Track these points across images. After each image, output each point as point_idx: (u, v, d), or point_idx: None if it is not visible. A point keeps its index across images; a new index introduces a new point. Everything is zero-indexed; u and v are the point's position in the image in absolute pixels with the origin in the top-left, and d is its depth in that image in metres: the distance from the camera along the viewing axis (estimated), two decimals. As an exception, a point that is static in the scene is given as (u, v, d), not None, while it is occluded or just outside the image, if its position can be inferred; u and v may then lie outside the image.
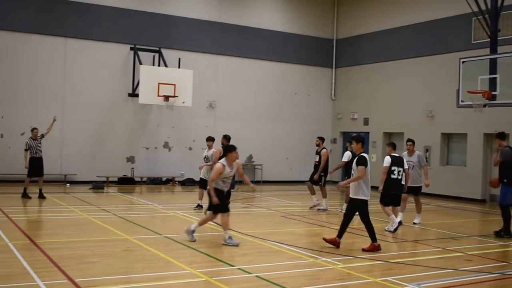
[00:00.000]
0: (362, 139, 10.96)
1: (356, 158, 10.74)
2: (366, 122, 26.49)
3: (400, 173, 12.58)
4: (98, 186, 20.70)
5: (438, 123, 22.69)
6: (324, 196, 16.59)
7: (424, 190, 14.70)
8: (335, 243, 10.68)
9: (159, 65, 23.11)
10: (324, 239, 10.89)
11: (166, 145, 24.03)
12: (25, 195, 16.95)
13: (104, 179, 22.18)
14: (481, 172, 21.11)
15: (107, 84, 22.87)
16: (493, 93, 16.11)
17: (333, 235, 11.11)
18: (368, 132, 26.24)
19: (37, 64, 21.77)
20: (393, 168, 12.55)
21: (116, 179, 22.81)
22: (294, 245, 10.91)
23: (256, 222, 13.75)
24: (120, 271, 8.34)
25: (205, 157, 15.44)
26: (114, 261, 9.06)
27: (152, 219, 14.03)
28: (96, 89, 22.69)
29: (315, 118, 27.77)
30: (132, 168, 23.30)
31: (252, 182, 24.36)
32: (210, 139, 15.74)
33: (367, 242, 10.80)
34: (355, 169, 10.66)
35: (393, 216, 12.79)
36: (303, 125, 27.27)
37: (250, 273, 8.41)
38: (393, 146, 13.03)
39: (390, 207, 13.03)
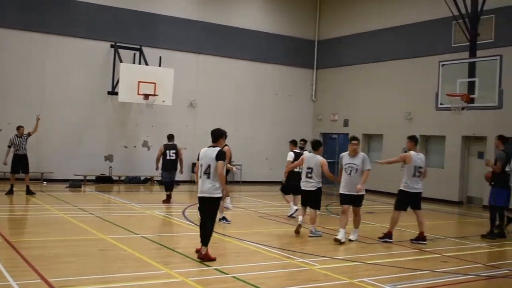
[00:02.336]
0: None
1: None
2: (346, 123, 26.57)
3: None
4: (75, 184, 20.50)
5: (416, 125, 22.83)
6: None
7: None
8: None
9: (139, 63, 22.95)
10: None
11: (145, 144, 23.89)
12: (10, 192, 17.14)
13: (82, 177, 21.98)
14: (458, 174, 21.29)
15: (86, 82, 22.67)
16: (472, 96, 16.25)
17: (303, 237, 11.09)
18: (347, 134, 26.30)
19: (16, 60, 21.51)
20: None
21: (94, 177, 22.61)
22: (271, 245, 10.89)
23: (234, 222, 13.70)
24: (96, 271, 8.25)
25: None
26: (90, 260, 8.97)
27: (129, 218, 13.92)
28: (76, 86, 22.48)
29: (296, 119, 27.80)
30: (110, 167, 23.12)
31: (232, 182, 24.35)
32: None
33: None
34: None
35: (291, 203, 14.96)
36: (283, 126, 27.28)
37: (226, 274, 8.37)
38: (294, 143, 15.26)
39: (291, 195, 14.94)
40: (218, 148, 9.37)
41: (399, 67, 23.94)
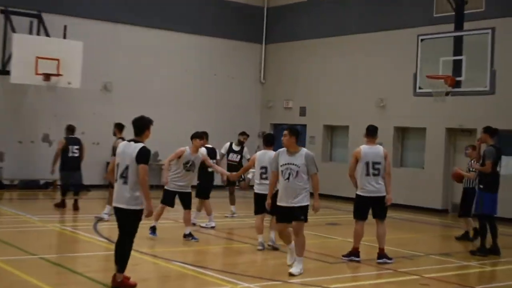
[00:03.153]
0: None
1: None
2: (303, 112, 26.70)
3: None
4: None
5: (391, 114, 23.11)
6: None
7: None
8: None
9: (38, 34, 22.56)
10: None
11: (45, 139, 23.46)
12: None
13: (-38, 181, 21.49)
14: (442, 175, 21.63)
15: (-33, 57, 22.15)
16: (457, 78, 16.50)
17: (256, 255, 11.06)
18: (305, 125, 26.44)
19: None
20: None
21: (-22, 182, 22.15)
22: (208, 266, 10.84)
23: (160, 237, 13.59)
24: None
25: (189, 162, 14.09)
26: (-30, 290, 8.72)
27: (24, 234, 13.68)
28: (-47, 64, 21.94)
29: (239, 106, 27.77)
30: (1, 168, 22.64)
31: (158, 187, 24.13)
32: (199, 136, 14.27)
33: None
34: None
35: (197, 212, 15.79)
36: (224, 115, 27.20)
37: (149, 304, 8.27)
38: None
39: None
40: (140, 145, 8.99)
41: (368, 42, 24.16)
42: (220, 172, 14.84)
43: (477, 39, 16.61)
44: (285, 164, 10.65)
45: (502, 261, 13.05)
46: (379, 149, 12.28)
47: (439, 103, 17.72)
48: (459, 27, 17.74)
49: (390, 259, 12.01)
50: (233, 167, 17.67)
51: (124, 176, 8.96)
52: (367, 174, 12.08)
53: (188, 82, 26.63)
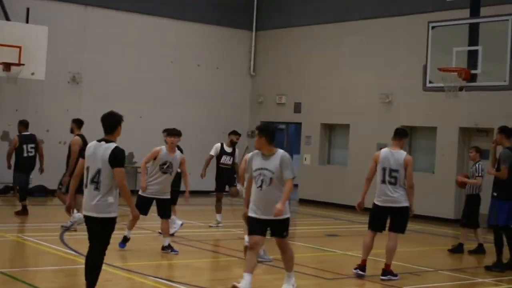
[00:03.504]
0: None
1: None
2: (297, 108, 26.71)
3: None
4: None
5: (397, 112, 23.15)
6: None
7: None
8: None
9: (-4, 18, 22.52)
10: None
11: (5, 137, 23.39)
12: None
13: None
14: (454, 181, 21.63)
15: None
16: (473, 71, 16.51)
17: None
18: (300, 123, 26.48)
19: None
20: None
21: None
22: (188, 282, 10.81)
23: (136, 250, 13.58)
24: None
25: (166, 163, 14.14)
26: None
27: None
28: None
29: (226, 101, 27.76)
30: (-47, 170, 22.59)
31: (132, 192, 24.06)
32: (175, 134, 14.39)
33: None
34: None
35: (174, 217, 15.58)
36: (209, 112, 27.19)
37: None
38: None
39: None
40: (113, 145, 8.94)
41: (372, 30, 24.19)
42: (186, 185, 14.55)
43: (495, 26, 16.61)
44: (258, 169, 10.04)
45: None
46: (401, 155, 12.14)
47: (452, 99, 17.72)
48: (475, 13, 17.73)
49: (395, 275, 12.04)
50: (226, 171, 17.85)
51: (95, 181, 8.85)
52: (383, 182, 12.08)
53: (168, 73, 26.60)
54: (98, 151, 8.90)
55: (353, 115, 24.49)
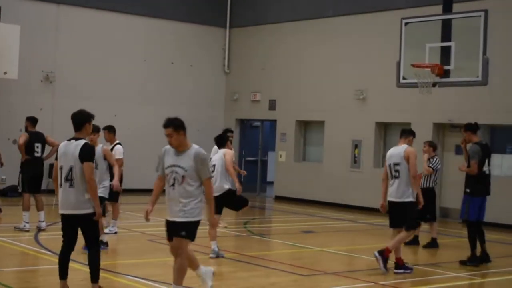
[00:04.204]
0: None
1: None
2: (272, 105, 26.75)
3: None
4: None
5: (371, 108, 23.28)
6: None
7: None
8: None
9: (-33, 17, 22.38)
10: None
11: (-21, 136, 23.28)
12: None
13: None
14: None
15: None
16: (446, 67, 16.63)
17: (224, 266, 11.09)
18: (275, 120, 26.53)
19: None
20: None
21: None
22: (166, 281, 10.81)
23: (114, 249, 13.57)
24: None
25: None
26: None
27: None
28: None
29: (200, 99, 27.73)
30: None
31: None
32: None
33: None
34: None
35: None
36: (183, 110, 27.08)
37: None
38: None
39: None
40: (82, 142, 9.11)
41: (346, 26, 24.27)
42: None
43: (468, 23, 16.73)
44: (170, 166, 9.20)
45: (493, 272, 13.22)
46: (402, 148, 12.63)
47: (426, 95, 17.80)
48: (447, 9, 17.84)
49: (409, 269, 12.50)
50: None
51: (69, 179, 9.01)
52: (391, 177, 12.56)
53: (141, 71, 26.54)
54: (69, 149, 9.08)
55: (328, 112, 24.56)
